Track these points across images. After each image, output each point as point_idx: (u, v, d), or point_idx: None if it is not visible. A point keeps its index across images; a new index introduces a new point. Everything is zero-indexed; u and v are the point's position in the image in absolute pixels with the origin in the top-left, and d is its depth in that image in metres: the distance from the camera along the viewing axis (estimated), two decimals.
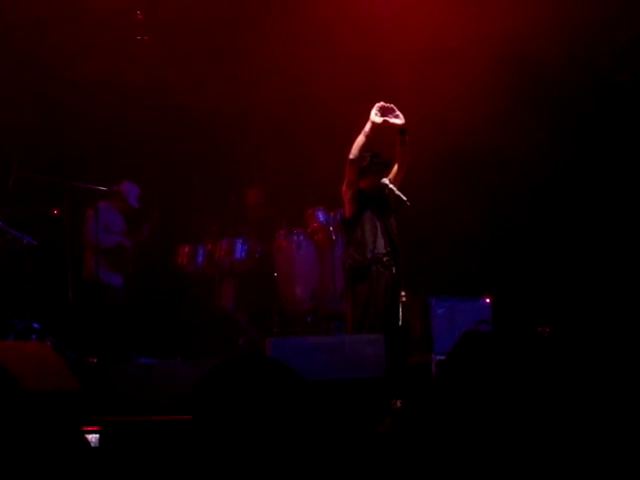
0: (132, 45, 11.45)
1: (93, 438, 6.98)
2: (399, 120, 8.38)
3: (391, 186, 8.40)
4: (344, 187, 8.50)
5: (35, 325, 9.81)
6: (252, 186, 11.85)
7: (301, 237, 11.11)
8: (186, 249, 11.38)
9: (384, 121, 8.34)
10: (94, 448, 6.94)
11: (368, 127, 8.32)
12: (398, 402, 7.94)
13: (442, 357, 9.34)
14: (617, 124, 11.15)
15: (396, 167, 8.53)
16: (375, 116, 8.32)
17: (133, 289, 10.90)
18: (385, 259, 8.38)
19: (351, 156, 8.37)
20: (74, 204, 10.47)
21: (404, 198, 8.30)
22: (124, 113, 11.42)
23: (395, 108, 8.39)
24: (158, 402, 8.30)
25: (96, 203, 10.59)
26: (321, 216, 11.09)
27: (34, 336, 9.73)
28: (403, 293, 8.55)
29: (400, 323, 8.27)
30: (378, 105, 8.36)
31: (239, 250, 11.27)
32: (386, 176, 8.48)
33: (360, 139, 8.36)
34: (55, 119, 11.18)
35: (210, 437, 2.62)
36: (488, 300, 10.51)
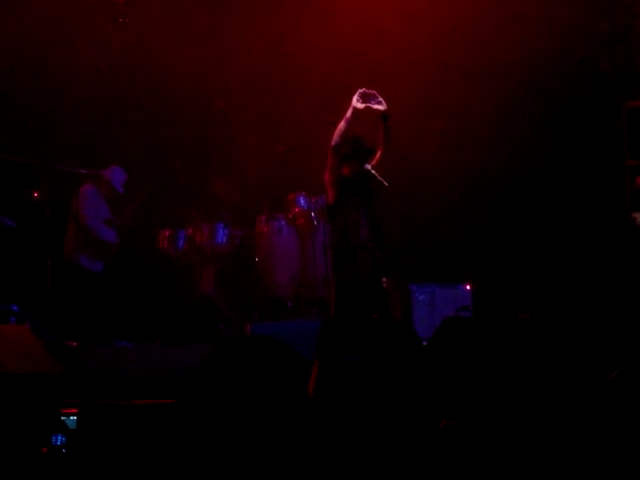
0: (114, 27, 11.40)
1: (70, 420, 6.98)
2: (381, 106, 8.34)
3: (373, 172, 8.38)
4: (327, 173, 8.47)
5: (14, 307, 9.77)
6: (219, 177, 11.80)
7: (282, 222, 11.09)
8: (167, 233, 11.34)
9: (366, 107, 8.30)
10: (71, 430, 6.94)
11: (349, 113, 8.28)
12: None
13: (423, 343, 9.36)
14: (598, 113, 11.20)
15: (379, 153, 8.51)
16: (357, 102, 8.28)
17: (114, 273, 10.86)
18: (369, 245, 8.38)
19: (333, 142, 8.33)
20: (54, 187, 10.43)
21: (386, 184, 8.29)
22: (107, 96, 11.38)
23: (377, 94, 8.36)
24: (137, 386, 8.29)
25: (82, 185, 10.53)
26: (302, 201, 11.08)
27: (13, 319, 9.68)
28: (384, 279, 8.56)
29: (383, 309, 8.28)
30: (360, 91, 8.32)
31: (220, 235, 11.24)
32: (369, 162, 8.46)
33: (342, 125, 8.32)
34: (38, 100, 11.12)
35: (211, 419, 2.62)
36: (469, 287, 10.54)
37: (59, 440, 6.82)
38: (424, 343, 7.88)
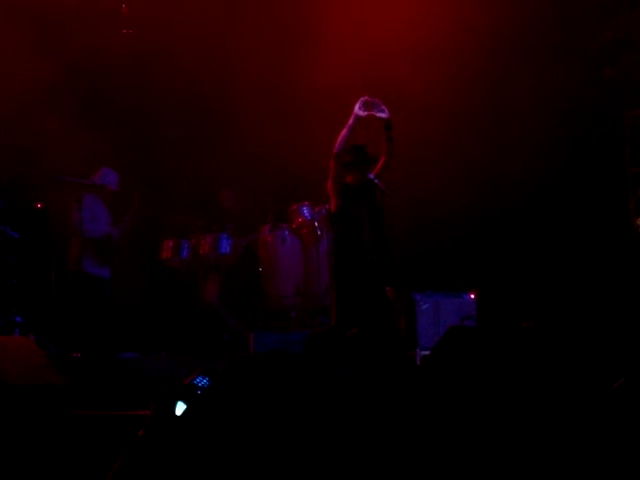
0: (116, 35, 11.42)
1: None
2: (384, 114, 8.34)
3: (376, 181, 8.37)
4: (329, 182, 8.47)
5: (18, 319, 9.75)
6: (225, 188, 11.80)
7: (286, 232, 11.08)
8: (170, 243, 11.32)
9: (369, 115, 8.29)
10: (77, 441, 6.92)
11: (352, 121, 8.28)
12: None
13: (427, 352, 9.33)
14: (603, 119, 11.19)
15: (382, 161, 8.50)
16: (359, 110, 8.27)
17: (117, 283, 10.83)
18: (371, 253, 8.36)
19: (335, 150, 8.34)
20: (57, 197, 10.41)
21: (386, 191, 8.29)
22: (111, 105, 11.41)
23: (380, 102, 8.35)
24: (142, 397, 8.26)
25: (80, 195, 10.48)
26: (306, 211, 11.06)
27: (17, 330, 9.67)
28: (388, 288, 8.54)
29: (385, 317, 8.25)
30: (362, 99, 8.32)
31: (224, 245, 11.22)
32: (372, 170, 8.45)
33: (344, 133, 8.32)
34: (38, 112, 11.12)
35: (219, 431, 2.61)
36: (473, 296, 10.51)
37: (202, 382, 6.66)
38: (427, 353, 7.86)
